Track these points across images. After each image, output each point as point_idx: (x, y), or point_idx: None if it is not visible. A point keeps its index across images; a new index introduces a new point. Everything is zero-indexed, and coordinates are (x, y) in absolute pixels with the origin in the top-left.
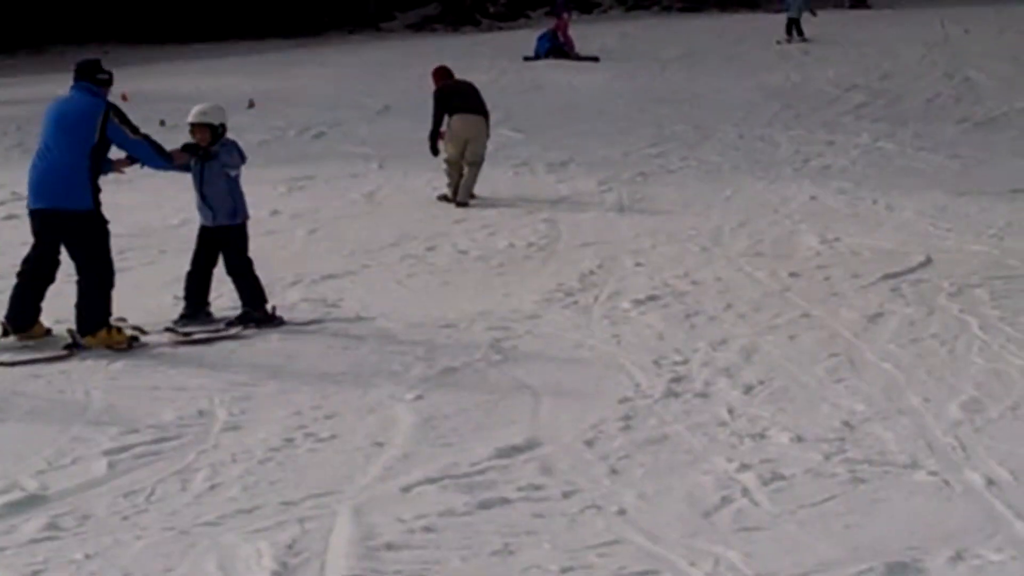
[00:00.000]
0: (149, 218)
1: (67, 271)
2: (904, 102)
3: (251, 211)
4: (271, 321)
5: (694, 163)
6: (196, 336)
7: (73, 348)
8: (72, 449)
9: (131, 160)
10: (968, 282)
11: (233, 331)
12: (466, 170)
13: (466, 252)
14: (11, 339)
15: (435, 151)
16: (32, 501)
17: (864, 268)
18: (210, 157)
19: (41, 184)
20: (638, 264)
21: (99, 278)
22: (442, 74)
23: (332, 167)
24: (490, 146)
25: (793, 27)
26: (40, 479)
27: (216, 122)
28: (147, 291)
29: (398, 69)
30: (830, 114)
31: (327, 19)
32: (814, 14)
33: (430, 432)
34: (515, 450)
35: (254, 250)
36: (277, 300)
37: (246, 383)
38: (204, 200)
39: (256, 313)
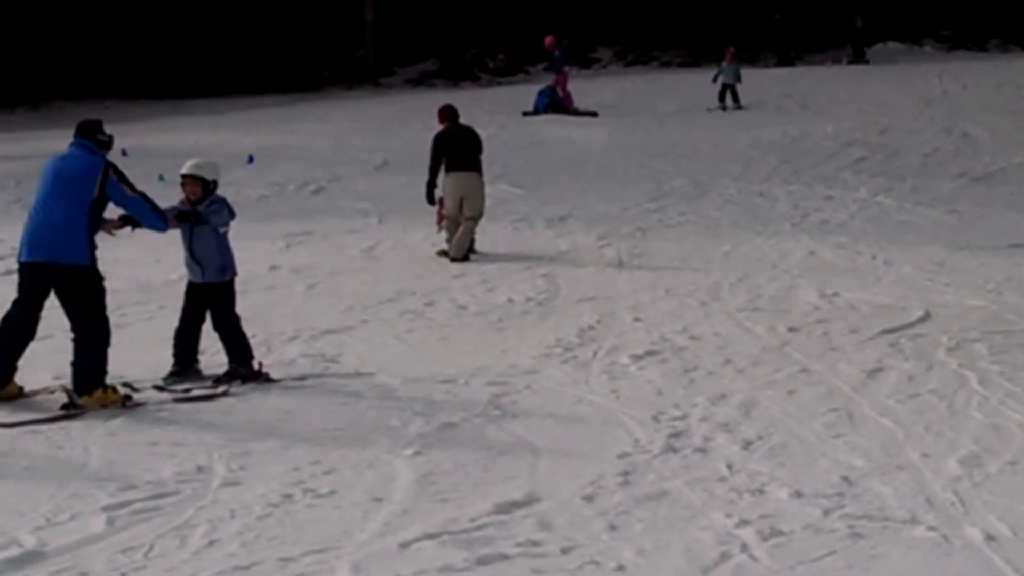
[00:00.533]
0: (148, 273)
1: (63, 327)
2: (902, 157)
3: (250, 266)
4: (257, 377)
5: (693, 218)
6: (192, 394)
7: (71, 408)
8: (70, 505)
9: (123, 222)
10: (967, 337)
11: (221, 389)
12: (463, 225)
13: (465, 307)
14: None
15: (431, 200)
16: (30, 558)
17: (863, 323)
18: (201, 222)
19: (37, 238)
20: (637, 319)
21: (95, 335)
22: (446, 115)
23: (331, 222)
24: (489, 201)
25: (728, 93)
26: (38, 535)
27: (209, 177)
28: (146, 347)
29: (397, 124)
30: (828, 169)
31: (326, 74)
32: (740, 81)
33: (429, 488)
34: (514, 506)
35: (253, 305)
36: (276, 355)
37: (245, 439)
38: (193, 257)
39: (243, 369)
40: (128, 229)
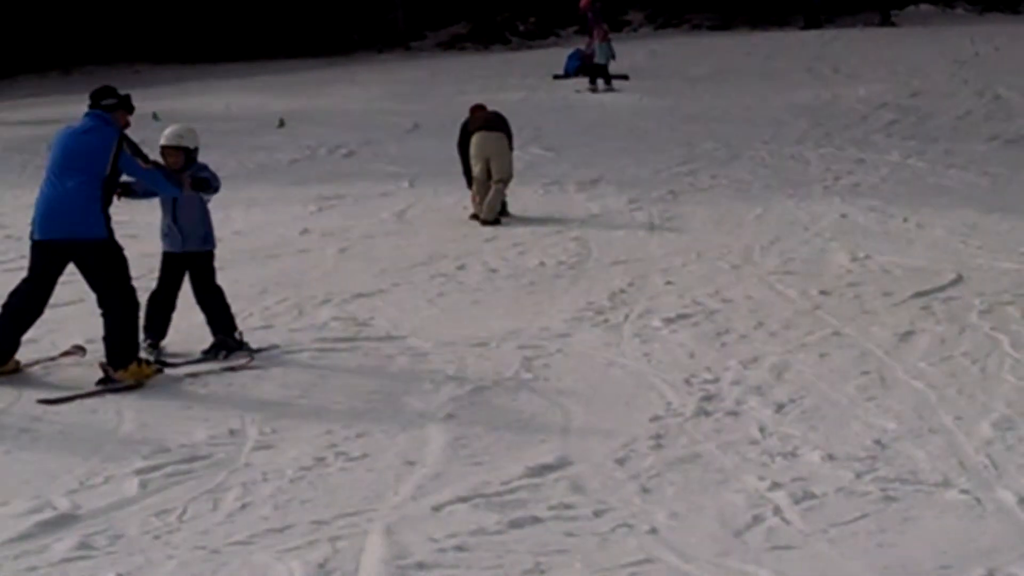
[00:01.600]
0: None
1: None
2: (934, 120)
3: (281, 230)
4: (240, 348)
5: (724, 181)
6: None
7: (107, 383)
8: (104, 468)
9: (120, 191)
10: (999, 300)
11: (217, 364)
12: (492, 188)
13: (496, 271)
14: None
15: (471, 184)
16: (64, 520)
17: (895, 286)
18: (211, 190)
19: (51, 214)
20: (668, 282)
21: (123, 307)
22: (473, 108)
23: (362, 186)
24: (520, 164)
25: (601, 74)
26: (72, 498)
27: (191, 146)
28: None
29: (428, 87)
30: (860, 132)
31: (357, 38)
32: (613, 58)
33: (461, 451)
34: (546, 469)
35: (285, 268)
36: (307, 319)
37: (277, 402)
38: (176, 224)
39: (230, 341)
40: (125, 199)
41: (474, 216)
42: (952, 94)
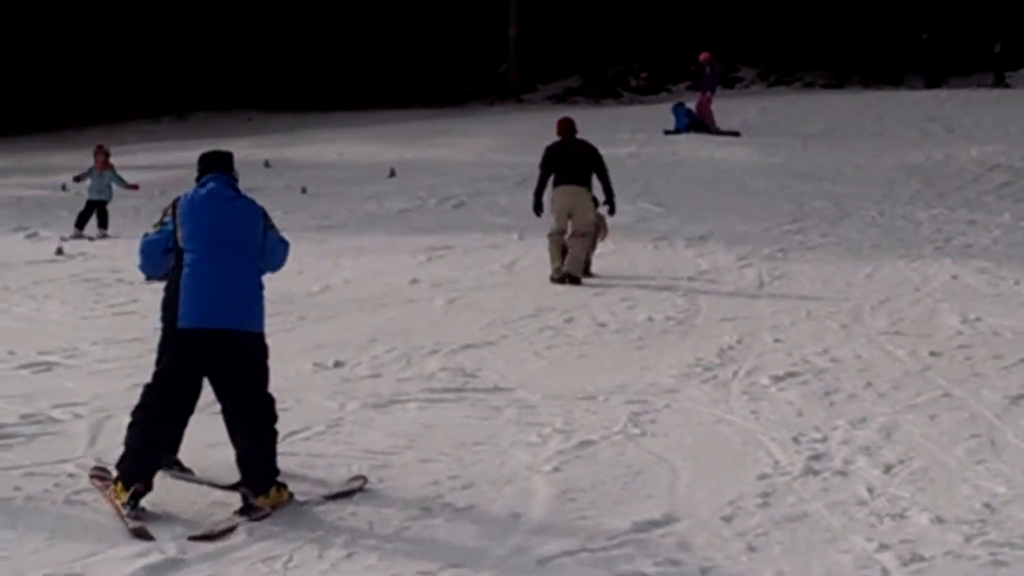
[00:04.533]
0: (289, 284)
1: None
2: None
3: (390, 279)
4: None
5: (834, 240)
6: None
7: (249, 512)
8: (211, 514)
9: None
10: None
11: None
12: (574, 242)
13: (605, 325)
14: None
15: (538, 210)
16: (172, 565)
17: (1006, 349)
18: None
19: (218, 299)
20: (777, 340)
21: (266, 420)
22: (562, 127)
23: (472, 237)
24: (629, 218)
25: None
26: (179, 543)
27: None
28: (287, 358)
29: (538, 140)
30: (972, 193)
31: (469, 89)
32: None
33: (567, 504)
34: (652, 525)
35: (394, 318)
36: (416, 369)
37: (384, 451)
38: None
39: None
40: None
41: (558, 280)
42: None
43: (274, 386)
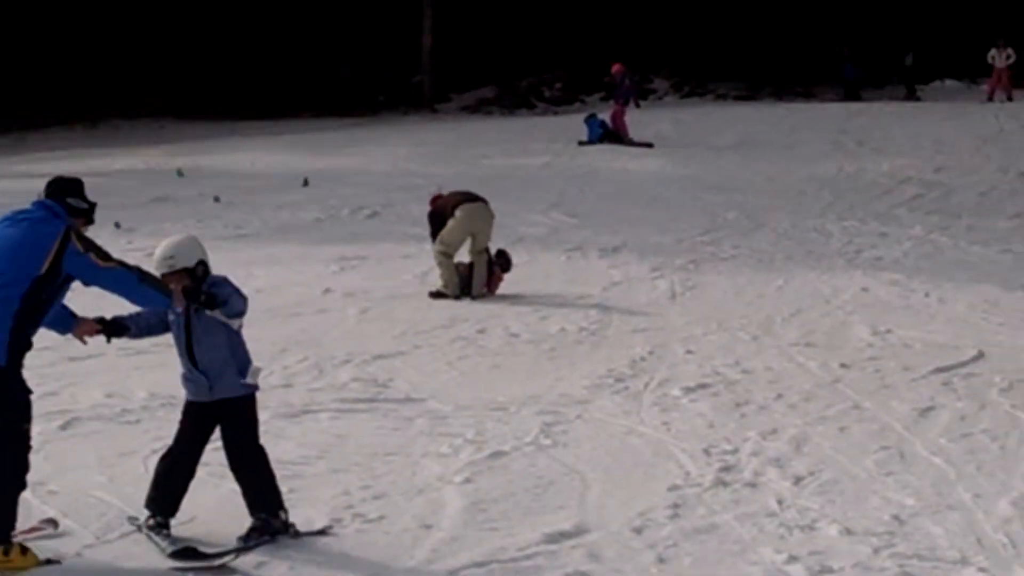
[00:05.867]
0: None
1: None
2: (957, 195)
3: (303, 289)
4: (286, 531)
5: (746, 251)
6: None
7: None
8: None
9: (101, 327)
10: (1020, 377)
11: (227, 558)
12: (476, 261)
13: (517, 335)
14: None
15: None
16: None
17: (916, 361)
18: (216, 305)
19: None
20: (688, 352)
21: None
22: (435, 199)
23: (385, 247)
24: (543, 229)
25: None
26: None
27: (191, 263)
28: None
29: (452, 150)
30: (883, 206)
31: (383, 99)
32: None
33: (478, 516)
34: (563, 536)
35: (306, 328)
36: (328, 379)
37: (295, 462)
38: (195, 365)
39: (274, 522)
40: (102, 338)
41: (436, 294)
42: (976, 170)
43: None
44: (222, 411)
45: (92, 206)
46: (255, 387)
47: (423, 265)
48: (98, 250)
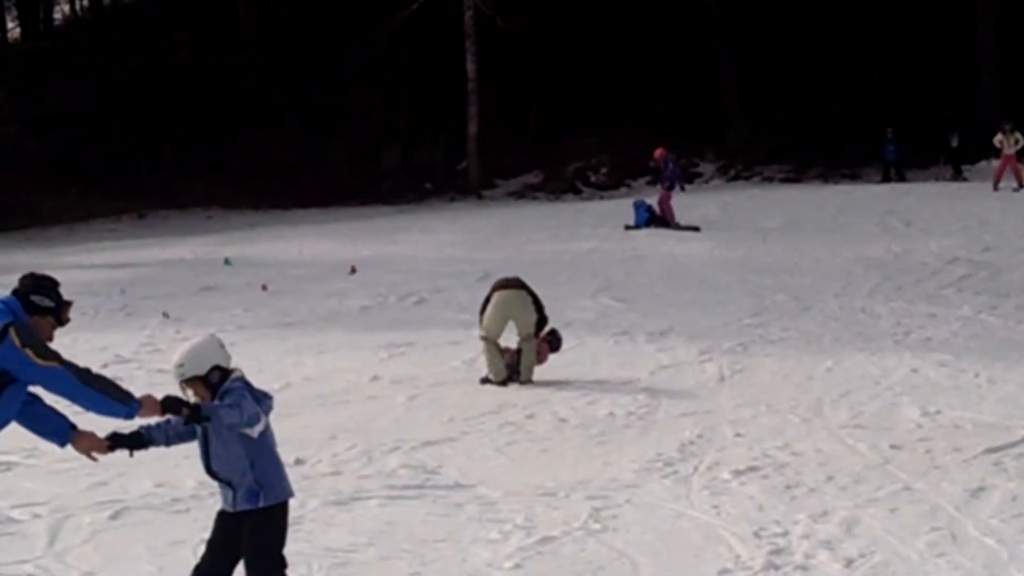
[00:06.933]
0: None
1: None
2: (1006, 275)
3: (351, 376)
4: None
5: (794, 334)
6: None
7: None
8: None
9: (109, 443)
10: None
11: None
12: (524, 347)
13: (566, 420)
14: None
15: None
16: None
17: (966, 441)
18: (200, 420)
19: None
20: (738, 435)
21: None
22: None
23: (432, 334)
24: (591, 314)
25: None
26: None
27: (203, 370)
28: None
29: (499, 236)
30: (932, 286)
31: (429, 186)
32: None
33: None
34: None
35: (354, 415)
36: (377, 466)
37: (345, 549)
38: (214, 474)
39: None
40: (123, 452)
41: (485, 380)
42: None
43: None
44: (243, 523)
45: (60, 305)
46: (275, 499)
47: (471, 351)
48: (39, 347)
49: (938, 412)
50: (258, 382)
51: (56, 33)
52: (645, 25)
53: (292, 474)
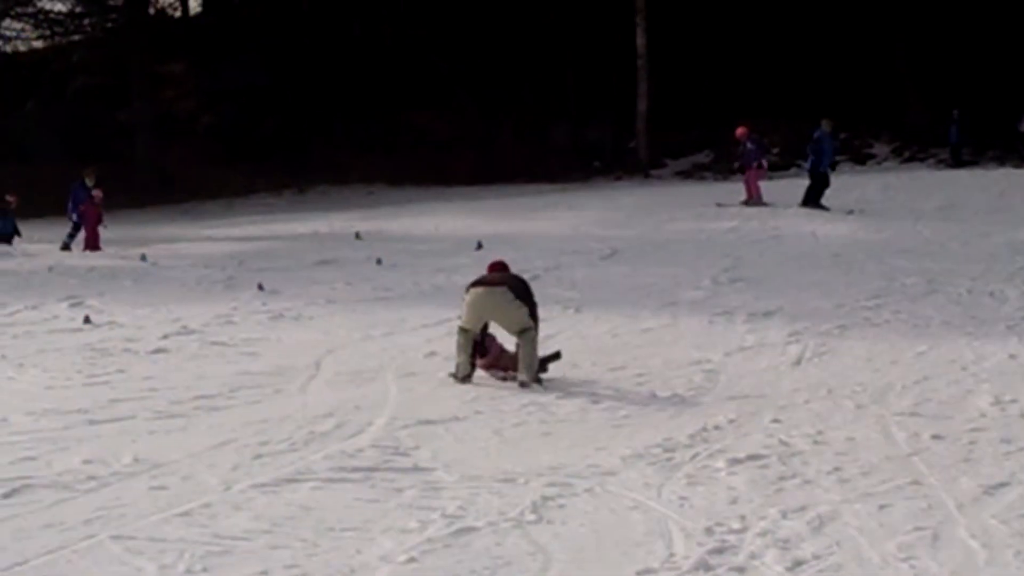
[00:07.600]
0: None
1: None
2: None
3: (410, 353)
4: None
5: (904, 317)
6: None
7: None
8: None
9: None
10: None
11: None
12: (521, 341)
13: (598, 402)
14: None
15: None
16: None
17: (1021, 433)
18: None
19: None
20: (775, 420)
21: None
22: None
23: None
24: (702, 293)
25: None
26: None
27: None
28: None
29: (642, 214)
30: None
31: (598, 164)
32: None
33: None
34: None
35: (372, 393)
36: (344, 446)
37: (234, 537)
38: None
39: None
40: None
41: (453, 376)
42: None
43: None
44: None
45: None
46: None
47: (552, 328)
48: None
49: (1013, 401)
50: (301, 353)
51: (236, 7)
52: (819, 2)
53: (240, 455)
